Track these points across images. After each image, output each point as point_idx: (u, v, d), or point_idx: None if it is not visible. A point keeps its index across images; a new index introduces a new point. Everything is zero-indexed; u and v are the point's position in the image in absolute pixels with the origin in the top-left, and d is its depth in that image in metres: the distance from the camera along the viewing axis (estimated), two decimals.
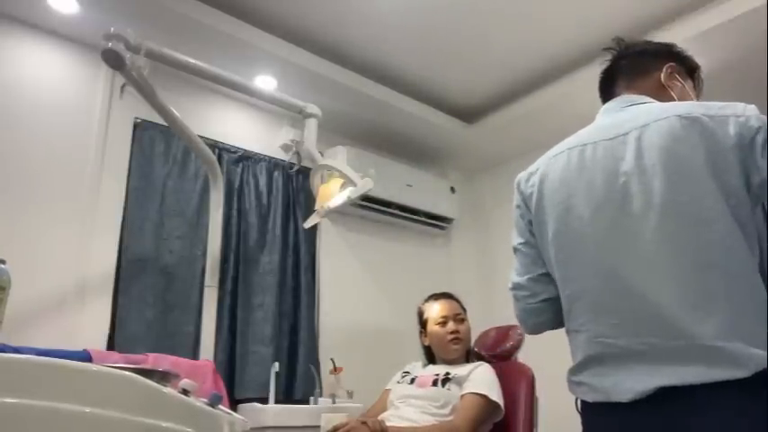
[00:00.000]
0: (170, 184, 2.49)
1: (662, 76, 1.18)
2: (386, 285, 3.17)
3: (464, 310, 2.09)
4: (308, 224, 2.48)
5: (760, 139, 0.93)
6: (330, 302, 2.91)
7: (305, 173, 2.78)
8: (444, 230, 3.52)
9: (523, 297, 1.18)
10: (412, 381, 1.98)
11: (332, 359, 2.72)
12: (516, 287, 1.20)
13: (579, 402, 1.07)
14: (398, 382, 2.04)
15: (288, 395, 2.56)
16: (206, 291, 2.31)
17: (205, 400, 0.95)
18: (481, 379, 1.85)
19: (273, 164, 2.87)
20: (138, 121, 2.48)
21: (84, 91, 2.40)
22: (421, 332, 2.12)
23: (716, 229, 0.92)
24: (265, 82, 2.66)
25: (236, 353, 2.47)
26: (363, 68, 2.86)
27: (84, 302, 2.18)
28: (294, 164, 2.70)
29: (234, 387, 2.41)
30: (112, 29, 1.77)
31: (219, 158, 2.62)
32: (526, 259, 1.19)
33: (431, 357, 2.09)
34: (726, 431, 0.86)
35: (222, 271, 2.46)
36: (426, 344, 2.09)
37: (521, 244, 1.20)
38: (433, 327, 2.04)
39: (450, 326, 2.01)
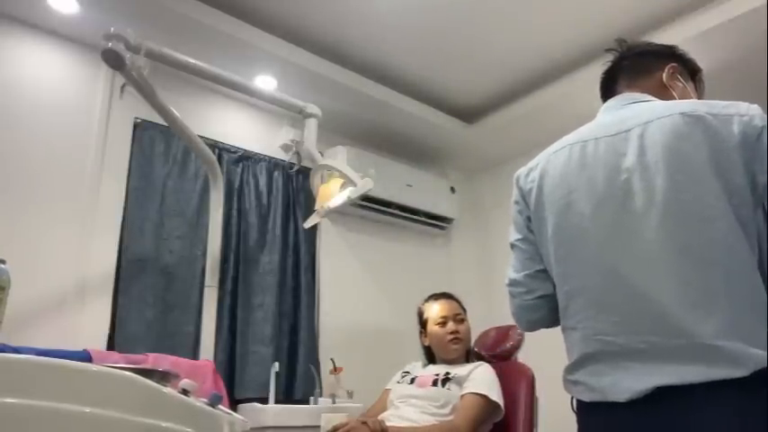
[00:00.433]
0: (170, 184, 2.49)
1: (664, 75, 1.18)
2: (386, 285, 3.17)
3: (464, 310, 2.10)
4: (308, 224, 2.48)
5: (764, 138, 0.93)
6: (330, 302, 2.91)
7: (305, 173, 2.78)
8: (444, 230, 3.52)
9: (519, 294, 1.18)
10: (412, 381, 1.98)
11: (332, 359, 2.72)
12: (513, 283, 1.19)
13: (575, 402, 1.07)
14: (398, 382, 2.04)
15: (288, 395, 2.56)
16: (206, 291, 2.31)
17: (205, 400, 0.95)
18: (481, 379, 1.85)
19: (273, 164, 2.87)
20: (138, 121, 2.48)
21: (84, 91, 2.40)
22: (421, 332, 2.12)
23: (718, 228, 0.92)
24: (265, 82, 2.66)
25: (236, 353, 2.47)
26: (363, 68, 2.86)
27: (84, 302, 2.18)
28: (294, 164, 2.70)
29: (234, 387, 2.41)
30: (112, 29, 1.77)
31: (219, 158, 2.62)
32: (523, 255, 1.18)
33: (431, 357, 2.09)
34: (725, 430, 0.85)
35: (222, 271, 2.46)
36: (426, 344, 2.09)
37: (518, 240, 1.20)
38: (432, 327, 2.04)
39: (450, 326, 2.01)
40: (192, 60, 2.01)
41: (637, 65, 1.21)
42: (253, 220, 2.70)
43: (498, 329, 2.13)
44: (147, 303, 2.29)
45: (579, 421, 1.06)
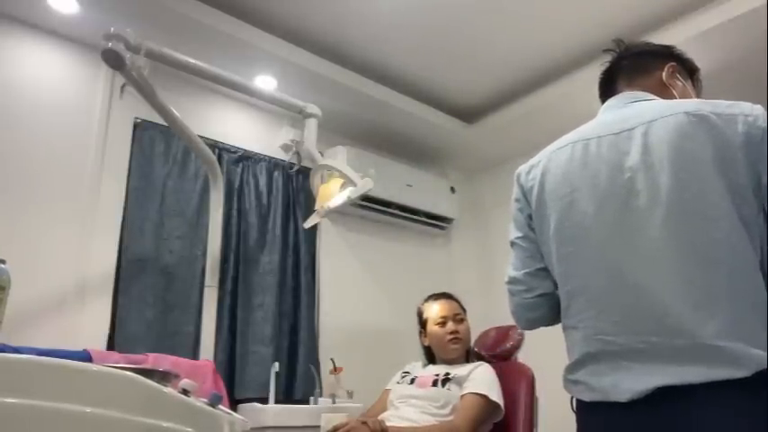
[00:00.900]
0: (170, 184, 2.49)
1: (663, 74, 1.18)
2: (386, 285, 3.17)
3: (464, 310, 2.10)
4: (308, 224, 2.48)
5: None
6: (330, 302, 2.91)
7: (305, 173, 2.78)
8: (444, 230, 3.52)
9: (519, 292, 1.18)
10: (412, 381, 1.98)
11: (332, 359, 2.72)
12: (512, 281, 1.19)
13: (574, 401, 1.07)
14: (398, 383, 2.04)
15: (288, 395, 2.56)
16: (206, 291, 2.31)
17: (205, 400, 0.95)
18: (481, 379, 1.85)
19: (273, 164, 2.87)
20: (138, 121, 2.48)
21: (84, 91, 2.40)
22: (420, 332, 2.12)
23: (721, 227, 0.92)
24: (265, 82, 2.66)
25: (236, 353, 2.47)
26: (363, 68, 2.86)
27: (84, 302, 2.18)
28: (294, 164, 2.70)
29: (234, 387, 2.41)
30: (112, 29, 1.77)
31: (219, 158, 2.62)
32: (524, 254, 1.18)
33: (431, 357, 2.09)
34: (725, 431, 0.85)
35: (222, 271, 2.46)
36: (426, 344, 2.09)
37: (519, 238, 1.19)
38: (432, 327, 2.04)
39: (450, 326, 2.01)
40: (192, 60, 2.01)
41: (636, 64, 1.21)
42: (253, 220, 2.70)
43: (498, 329, 2.13)
44: (147, 303, 2.29)
45: (579, 421, 1.06)
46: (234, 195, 2.67)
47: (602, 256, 1.02)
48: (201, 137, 2.33)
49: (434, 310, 2.06)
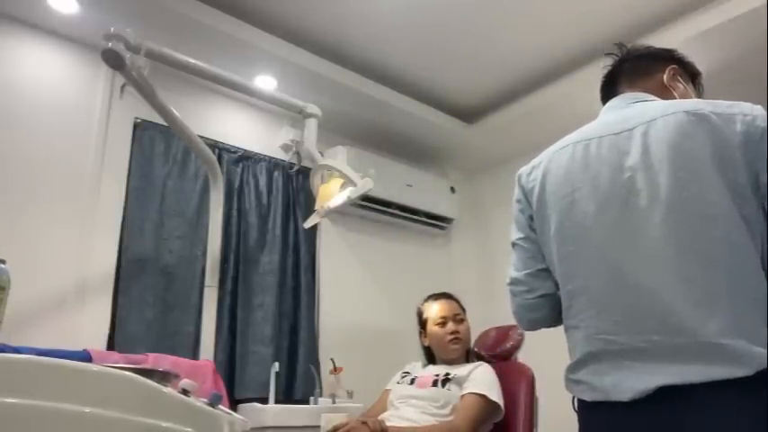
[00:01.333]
0: (170, 184, 2.49)
1: (665, 77, 1.18)
2: (386, 285, 3.17)
3: (463, 310, 2.09)
4: (308, 224, 2.48)
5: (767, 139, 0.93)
6: (330, 302, 2.91)
7: (305, 173, 2.78)
8: (444, 230, 3.52)
9: (520, 292, 1.18)
10: (412, 381, 1.98)
11: (332, 359, 2.72)
12: (514, 282, 1.19)
13: (576, 401, 1.07)
14: (398, 383, 2.04)
15: (288, 395, 2.56)
16: (206, 291, 2.31)
17: (205, 400, 0.95)
18: (481, 379, 1.85)
19: (273, 164, 2.87)
20: (138, 121, 2.48)
21: (84, 91, 2.40)
22: (420, 332, 2.12)
23: (721, 226, 0.92)
24: (265, 82, 2.66)
25: (236, 353, 2.47)
26: (363, 68, 2.86)
27: (84, 302, 2.18)
28: (294, 164, 2.70)
29: (234, 387, 2.41)
30: (112, 29, 1.77)
31: (219, 158, 2.62)
32: (525, 254, 1.18)
33: (430, 358, 2.09)
34: (727, 431, 0.85)
35: (222, 271, 2.46)
36: (426, 344, 2.09)
37: (520, 239, 1.20)
38: (432, 327, 2.04)
39: (450, 326, 2.01)
40: (192, 60, 2.01)
41: (637, 67, 1.22)
42: (253, 220, 2.70)
43: (498, 329, 2.13)
44: (147, 303, 2.29)
45: (580, 421, 1.06)
46: (234, 195, 2.67)
47: (603, 255, 1.02)
48: (201, 137, 2.33)
49: (434, 311, 2.06)
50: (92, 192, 2.30)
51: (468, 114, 3.34)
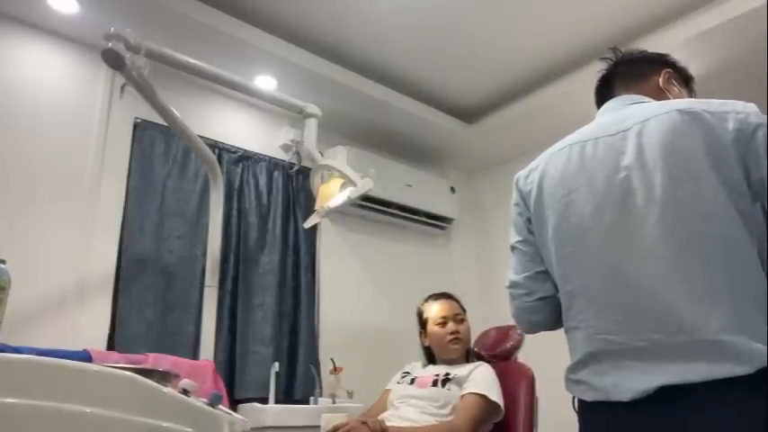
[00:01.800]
0: (170, 184, 2.49)
1: (660, 80, 1.19)
2: (386, 285, 3.17)
3: (463, 310, 2.09)
4: (308, 224, 2.48)
5: (759, 136, 0.94)
6: (330, 302, 2.91)
7: (305, 173, 2.78)
8: (444, 230, 3.52)
9: (520, 295, 1.19)
10: (412, 381, 1.98)
11: (332, 359, 2.72)
12: (513, 285, 1.20)
13: (576, 401, 1.07)
14: (398, 383, 2.04)
15: (288, 395, 2.56)
16: (206, 291, 2.31)
17: (205, 400, 0.95)
18: (481, 379, 1.85)
19: (273, 164, 2.87)
20: (138, 121, 2.48)
21: (84, 91, 2.40)
22: (420, 332, 2.12)
23: (717, 223, 0.92)
24: (265, 82, 2.66)
25: (236, 353, 2.47)
26: (363, 68, 2.86)
27: (84, 302, 2.18)
28: (294, 164, 2.70)
29: (234, 387, 2.41)
30: (112, 29, 1.77)
31: (219, 158, 2.62)
32: (524, 257, 1.19)
33: (431, 358, 2.09)
34: (728, 430, 0.85)
35: (222, 271, 2.46)
36: (426, 344, 2.09)
37: (519, 242, 1.20)
38: (432, 327, 2.04)
39: (450, 326, 2.01)
40: (192, 60, 2.01)
41: (632, 70, 1.23)
42: (253, 220, 2.70)
43: (498, 329, 2.13)
44: (147, 303, 2.29)
45: (581, 421, 1.06)
46: (234, 195, 2.67)
47: (601, 255, 1.02)
48: (201, 137, 2.33)
49: (434, 311, 2.06)
50: (92, 192, 2.30)
51: (468, 114, 3.34)
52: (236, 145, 2.77)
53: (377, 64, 2.86)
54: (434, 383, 1.89)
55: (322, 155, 2.52)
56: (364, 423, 1.70)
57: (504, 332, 2.09)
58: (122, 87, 2.02)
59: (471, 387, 1.83)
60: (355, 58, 2.81)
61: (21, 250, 2.04)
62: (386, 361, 2.35)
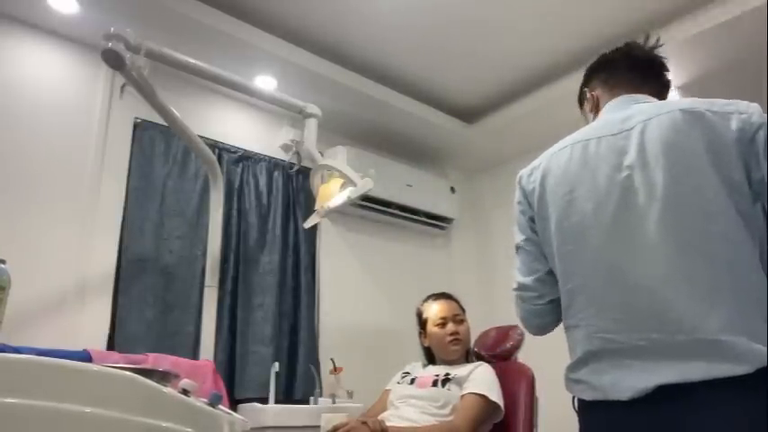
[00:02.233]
0: (170, 184, 2.49)
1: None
2: (386, 285, 3.17)
3: (463, 310, 2.09)
4: (308, 224, 2.48)
5: (761, 135, 0.94)
6: (330, 302, 2.91)
7: (305, 173, 2.78)
8: (444, 230, 3.52)
9: (530, 298, 1.18)
10: (412, 381, 1.98)
11: (332, 359, 2.72)
12: (522, 288, 1.19)
13: (576, 401, 1.07)
14: (398, 383, 2.04)
15: (288, 395, 2.56)
16: (206, 291, 2.31)
17: (205, 400, 0.95)
18: (481, 379, 1.85)
19: (273, 164, 2.87)
20: (138, 121, 2.48)
21: (84, 91, 2.40)
22: (420, 333, 2.12)
23: (719, 222, 0.93)
24: (265, 82, 2.66)
25: (236, 353, 2.47)
26: (363, 68, 2.86)
27: (84, 302, 2.18)
28: (294, 164, 2.70)
29: (234, 387, 2.40)
30: (112, 29, 1.77)
31: (219, 158, 2.62)
32: (529, 257, 1.19)
33: (430, 358, 2.09)
34: (726, 430, 0.85)
35: (222, 271, 2.46)
36: (426, 344, 2.09)
37: (524, 241, 1.20)
38: (432, 328, 2.03)
39: (450, 327, 2.00)
40: (192, 60, 2.01)
41: (642, 71, 1.23)
42: (253, 220, 2.70)
43: (498, 329, 2.13)
44: (147, 303, 2.29)
45: (581, 420, 1.06)
46: (234, 195, 2.67)
47: (602, 254, 1.02)
48: (201, 137, 2.33)
49: (434, 311, 2.06)
50: (92, 192, 2.30)
51: (468, 114, 3.34)
52: (236, 145, 2.77)
53: (377, 64, 2.86)
54: (434, 384, 1.89)
55: (322, 155, 2.52)
56: (364, 423, 1.70)
57: (504, 332, 2.09)
58: (122, 87, 2.02)
59: (471, 387, 1.83)
60: (355, 58, 2.81)
61: (21, 250, 2.04)
62: (386, 361, 2.35)
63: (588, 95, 1.27)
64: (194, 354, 2.26)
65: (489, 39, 2.68)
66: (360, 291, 3.08)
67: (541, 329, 1.21)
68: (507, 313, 1.26)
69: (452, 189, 3.48)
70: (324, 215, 2.35)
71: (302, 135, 2.32)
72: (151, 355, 1.98)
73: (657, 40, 1.25)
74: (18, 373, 0.77)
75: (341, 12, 2.49)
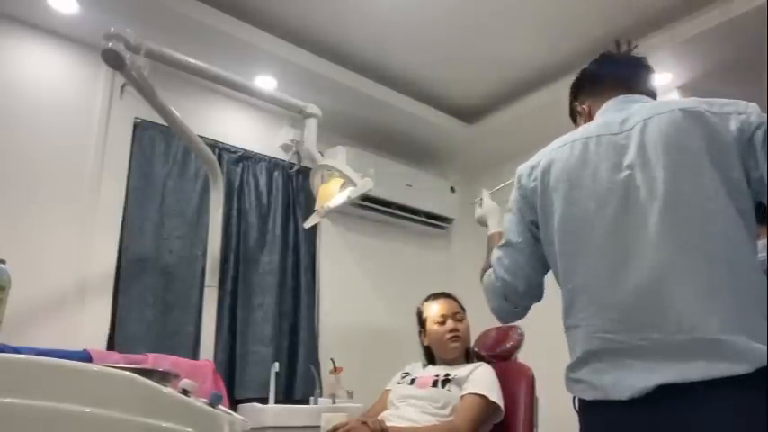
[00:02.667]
0: (170, 184, 2.49)
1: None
2: (386, 285, 3.17)
3: (463, 309, 2.09)
4: (307, 224, 2.48)
5: (760, 135, 0.94)
6: (330, 302, 2.91)
7: (305, 173, 2.78)
8: (444, 230, 3.52)
9: (514, 300, 1.20)
10: (412, 381, 1.98)
11: (332, 359, 2.72)
12: (509, 287, 1.20)
13: (576, 401, 1.07)
14: (398, 383, 2.04)
15: (288, 395, 2.56)
16: (206, 291, 2.31)
17: (205, 400, 0.95)
18: (481, 379, 1.85)
19: (273, 164, 2.87)
20: (138, 121, 2.48)
21: (84, 91, 2.40)
22: (420, 332, 2.12)
23: (719, 221, 0.93)
24: (265, 82, 2.66)
25: (236, 353, 2.47)
26: (363, 68, 2.86)
27: (84, 302, 2.19)
28: (294, 164, 2.70)
29: (234, 387, 2.41)
30: (112, 29, 1.77)
31: (219, 158, 2.62)
32: (523, 260, 1.18)
33: (430, 358, 2.09)
34: (726, 429, 0.85)
35: (222, 271, 2.46)
36: (426, 344, 2.09)
37: (519, 243, 1.19)
38: (432, 326, 2.03)
39: (450, 324, 2.00)
40: (192, 60, 2.01)
41: (632, 73, 1.23)
42: (253, 220, 2.70)
43: (498, 329, 2.13)
44: (147, 303, 2.29)
45: (581, 420, 1.06)
46: (234, 195, 2.67)
47: (603, 253, 1.02)
48: (201, 137, 2.33)
49: (434, 309, 2.06)
50: (92, 192, 2.30)
51: (468, 114, 3.33)
52: (236, 145, 2.77)
53: (377, 64, 2.86)
54: (434, 384, 1.89)
55: (322, 155, 2.52)
56: (364, 423, 1.70)
57: (504, 332, 2.09)
58: (122, 87, 2.02)
59: (471, 387, 1.83)
60: (355, 58, 2.81)
61: (21, 250, 2.04)
62: (386, 361, 2.35)
63: (579, 109, 1.28)
64: (194, 354, 2.26)
65: (489, 39, 2.68)
66: (360, 291, 3.08)
67: (510, 322, 1.28)
68: None
69: (452, 189, 3.48)
70: (324, 215, 2.35)
71: (302, 135, 2.32)
72: (151, 355, 1.98)
73: (629, 44, 1.26)
74: (18, 373, 0.77)
75: (341, 12, 2.49)
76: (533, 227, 1.17)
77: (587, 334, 1.03)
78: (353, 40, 2.70)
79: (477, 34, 2.65)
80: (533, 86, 3.03)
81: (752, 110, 0.98)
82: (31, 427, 0.75)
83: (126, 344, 2.17)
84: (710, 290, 0.90)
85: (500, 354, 2.05)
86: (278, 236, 2.75)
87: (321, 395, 2.52)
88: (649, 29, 2.53)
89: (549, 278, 1.18)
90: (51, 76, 2.34)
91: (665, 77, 2.65)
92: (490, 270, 1.24)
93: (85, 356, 1.81)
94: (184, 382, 0.92)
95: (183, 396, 0.89)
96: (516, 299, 1.20)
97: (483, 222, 1.60)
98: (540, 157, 1.19)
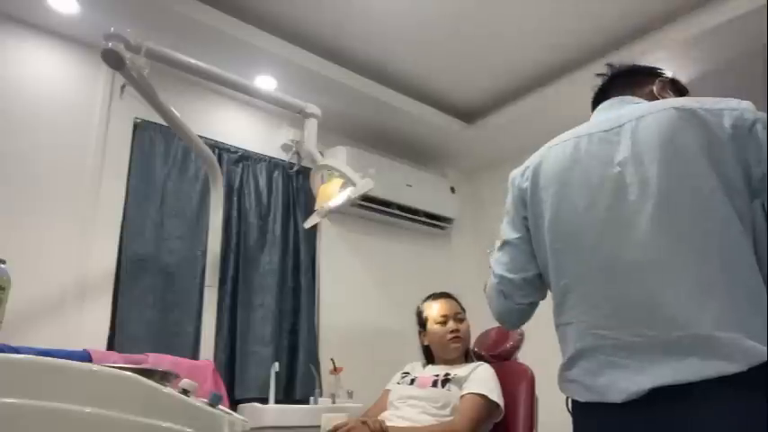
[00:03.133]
0: (170, 184, 2.49)
1: (654, 88, 1.20)
2: (386, 285, 3.17)
3: (463, 309, 2.10)
4: (308, 224, 2.48)
5: (758, 130, 0.94)
6: (330, 302, 2.91)
7: (305, 173, 2.78)
8: (444, 230, 3.52)
9: (515, 296, 1.19)
10: (412, 381, 1.98)
11: (332, 359, 2.72)
12: (506, 283, 1.20)
13: (570, 402, 1.07)
14: (398, 383, 2.04)
15: (288, 395, 2.56)
16: (206, 291, 2.31)
17: (205, 400, 0.95)
18: (481, 379, 1.85)
19: (273, 164, 2.87)
20: (138, 121, 2.48)
21: (85, 91, 2.40)
22: (420, 332, 2.12)
23: (714, 218, 0.92)
24: (265, 82, 2.66)
25: (236, 353, 2.47)
26: (363, 68, 2.86)
27: (84, 302, 2.18)
28: (294, 164, 2.71)
29: (234, 387, 2.40)
30: (112, 29, 1.77)
31: (219, 158, 2.62)
32: (521, 255, 1.19)
33: (430, 357, 2.09)
34: (722, 429, 0.85)
35: (222, 271, 2.46)
36: (426, 343, 2.09)
37: (517, 239, 1.20)
38: (432, 326, 2.04)
39: (450, 324, 2.01)
40: (192, 60, 2.01)
41: (629, 79, 1.24)
42: (253, 220, 2.70)
43: (498, 329, 2.13)
44: (147, 303, 2.29)
45: (575, 422, 1.06)
46: (234, 195, 2.67)
47: (594, 250, 1.02)
48: (201, 137, 2.33)
49: (435, 309, 2.06)
50: (92, 192, 2.30)
51: (468, 114, 3.33)
52: (236, 145, 2.77)
53: (377, 64, 2.86)
54: (434, 384, 1.89)
55: (322, 155, 2.52)
56: (364, 423, 1.70)
57: (504, 332, 2.09)
58: (122, 87, 2.01)
59: (471, 387, 1.83)
60: (355, 58, 2.80)
61: (21, 250, 2.03)
62: (386, 361, 2.35)
63: None
64: (194, 354, 2.26)
65: (489, 39, 2.68)
66: (360, 291, 3.08)
67: (516, 327, 1.27)
68: None
69: (452, 189, 3.48)
70: (324, 215, 2.35)
71: (302, 135, 2.32)
72: (151, 355, 1.98)
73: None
74: (18, 373, 0.77)
75: (341, 12, 2.49)
76: (527, 222, 1.19)
77: (579, 331, 1.03)
78: (353, 40, 2.70)
79: (477, 35, 2.65)
80: (533, 87, 3.04)
81: (744, 106, 0.98)
82: (31, 427, 0.75)
83: (126, 344, 2.16)
84: (704, 287, 0.90)
85: (500, 354, 2.05)
86: (278, 236, 2.75)
87: (321, 395, 2.52)
88: (649, 30, 2.53)
89: None
90: (51, 76, 2.34)
91: None
92: (491, 278, 1.24)
93: (85, 356, 1.81)
94: (184, 382, 0.92)
95: (183, 396, 0.89)
96: (514, 294, 1.19)
97: None
98: (532, 159, 1.20)
